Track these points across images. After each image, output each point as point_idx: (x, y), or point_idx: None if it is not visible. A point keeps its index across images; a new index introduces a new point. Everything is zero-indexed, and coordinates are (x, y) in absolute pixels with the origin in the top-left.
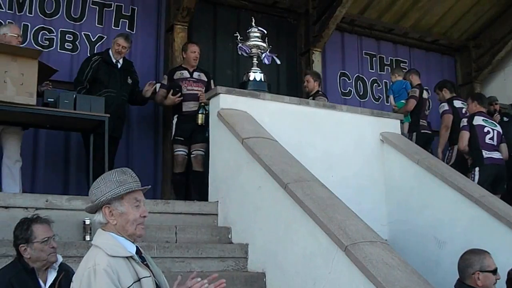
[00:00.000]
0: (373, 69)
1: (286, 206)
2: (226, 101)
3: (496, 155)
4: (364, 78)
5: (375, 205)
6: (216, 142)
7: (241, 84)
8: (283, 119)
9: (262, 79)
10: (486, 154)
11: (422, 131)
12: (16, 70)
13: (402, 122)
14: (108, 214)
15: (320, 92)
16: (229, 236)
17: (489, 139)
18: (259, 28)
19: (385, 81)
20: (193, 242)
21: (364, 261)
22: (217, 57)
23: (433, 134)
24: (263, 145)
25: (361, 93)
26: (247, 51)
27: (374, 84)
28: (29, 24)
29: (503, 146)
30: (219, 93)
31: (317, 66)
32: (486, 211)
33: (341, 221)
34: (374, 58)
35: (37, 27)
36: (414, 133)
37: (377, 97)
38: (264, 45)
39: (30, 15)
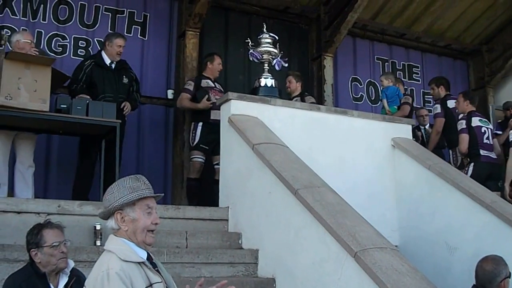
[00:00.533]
0: None
1: (296, 212)
2: (237, 107)
3: (493, 155)
4: (376, 83)
5: (386, 210)
6: (227, 147)
7: (252, 90)
8: (294, 125)
9: (273, 85)
10: (483, 153)
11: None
12: (29, 77)
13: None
14: (120, 220)
15: (306, 93)
16: (240, 242)
17: (486, 139)
18: (271, 34)
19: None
20: (203, 248)
21: (374, 268)
22: (229, 63)
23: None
24: (274, 151)
25: (372, 98)
26: (258, 57)
27: None
28: (42, 31)
29: (495, 142)
30: (230, 99)
31: (328, 71)
32: (497, 217)
33: (351, 227)
34: (386, 63)
35: (50, 33)
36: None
37: None
38: (276, 51)
39: (44, 22)
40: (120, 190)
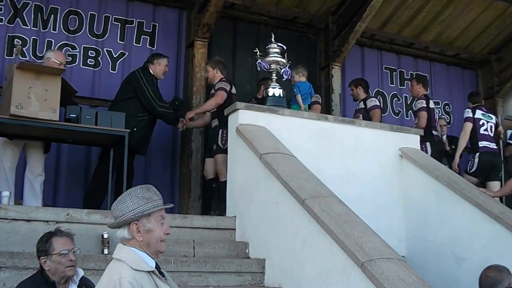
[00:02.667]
0: (393, 84)
1: (303, 222)
2: (245, 116)
3: (493, 145)
4: (384, 92)
5: (393, 221)
6: (234, 157)
7: (260, 100)
8: (301, 135)
9: (281, 95)
10: (482, 143)
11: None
12: (40, 86)
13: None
14: (135, 230)
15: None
16: (247, 251)
17: (484, 130)
18: (279, 44)
19: (405, 96)
20: (210, 257)
21: (381, 278)
22: (237, 73)
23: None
24: (281, 160)
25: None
26: (266, 67)
27: (394, 99)
28: (53, 41)
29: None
30: (238, 109)
31: (336, 81)
32: (506, 228)
33: (358, 237)
34: (394, 73)
35: (60, 43)
36: (428, 143)
37: (397, 112)
38: (284, 60)
39: (54, 32)
40: (133, 200)
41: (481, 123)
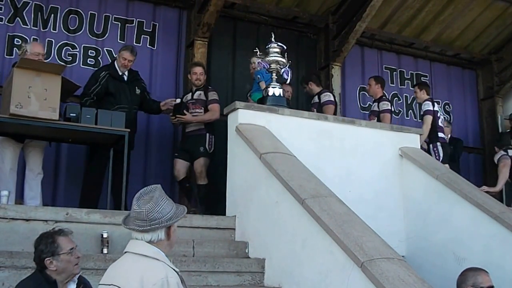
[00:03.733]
0: (393, 84)
1: (303, 222)
2: (245, 116)
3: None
4: (384, 92)
5: (393, 221)
6: (234, 156)
7: (260, 99)
8: (301, 134)
9: (281, 94)
10: (441, 135)
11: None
12: (39, 85)
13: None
14: (171, 231)
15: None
16: (246, 251)
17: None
18: (279, 43)
19: (405, 95)
20: (210, 256)
21: (380, 278)
22: (236, 72)
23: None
24: (281, 160)
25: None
26: (266, 67)
27: (395, 99)
28: (53, 40)
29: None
30: (238, 108)
31: (336, 81)
32: (506, 227)
33: (358, 237)
34: (394, 72)
35: (60, 43)
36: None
37: (397, 111)
38: (284, 60)
39: (54, 32)
40: (165, 202)
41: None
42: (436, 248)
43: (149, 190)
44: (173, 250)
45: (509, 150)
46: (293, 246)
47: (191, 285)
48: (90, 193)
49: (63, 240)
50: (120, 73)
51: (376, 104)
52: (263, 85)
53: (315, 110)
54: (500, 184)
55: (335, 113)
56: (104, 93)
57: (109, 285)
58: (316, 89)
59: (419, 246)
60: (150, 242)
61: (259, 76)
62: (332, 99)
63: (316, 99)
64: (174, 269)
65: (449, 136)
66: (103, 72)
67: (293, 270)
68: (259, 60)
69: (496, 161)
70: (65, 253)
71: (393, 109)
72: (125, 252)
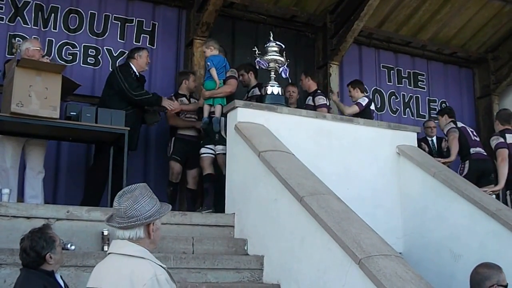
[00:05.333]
0: (391, 82)
1: (302, 219)
2: (244, 114)
3: (482, 151)
4: (382, 91)
5: (391, 218)
6: (233, 154)
7: (259, 98)
8: (300, 133)
9: (280, 93)
10: (473, 150)
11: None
12: (40, 84)
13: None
14: (152, 229)
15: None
16: (245, 248)
17: (474, 136)
18: (277, 42)
19: (402, 94)
20: (209, 253)
21: (378, 275)
22: None
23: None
24: (280, 158)
25: (378, 106)
26: (265, 65)
27: (392, 97)
28: (53, 40)
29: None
30: (237, 107)
31: (334, 79)
32: (502, 225)
33: (356, 234)
34: (392, 71)
35: (61, 42)
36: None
37: (394, 110)
38: (282, 59)
39: (55, 31)
40: (146, 200)
41: (469, 130)
42: (433, 245)
43: (131, 189)
44: (172, 247)
45: (458, 122)
46: (292, 243)
47: (191, 281)
48: (94, 192)
49: (54, 233)
50: (137, 74)
51: (310, 98)
52: (214, 72)
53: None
54: (454, 155)
55: None
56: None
57: None
58: (254, 81)
59: (416, 243)
60: (129, 239)
61: (208, 63)
62: (326, 102)
63: (310, 101)
64: (161, 266)
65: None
66: (131, 70)
67: (291, 267)
68: (258, 59)
69: (445, 132)
70: (58, 245)
71: (329, 104)
72: (109, 253)
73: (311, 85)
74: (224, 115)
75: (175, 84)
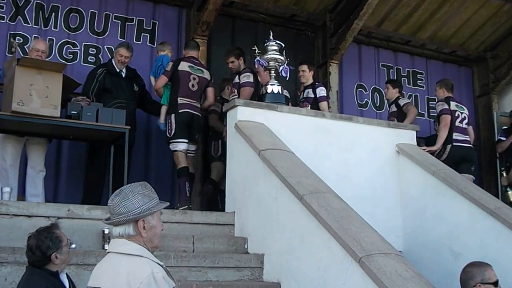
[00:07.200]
0: None
1: (302, 218)
2: (244, 113)
3: (467, 138)
4: (381, 89)
5: (390, 216)
6: (233, 153)
7: (258, 97)
8: (300, 131)
9: (280, 92)
10: (456, 136)
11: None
12: (41, 83)
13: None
14: (142, 227)
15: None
16: (246, 246)
17: (459, 122)
18: (277, 41)
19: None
20: (210, 252)
21: (378, 273)
22: None
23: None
24: (280, 157)
25: (377, 105)
26: (265, 64)
27: None
28: (54, 39)
29: (470, 129)
30: (237, 106)
31: (334, 78)
32: (501, 223)
33: (356, 233)
34: (391, 70)
35: (61, 41)
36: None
37: None
38: (282, 58)
39: (55, 30)
40: (137, 197)
41: (456, 114)
42: (433, 243)
43: (126, 187)
44: (173, 245)
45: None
46: (292, 242)
47: (192, 280)
48: (93, 191)
49: (61, 233)
50: (118, 70)
51: (309, 90)
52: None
53: (308, 105)
54: (439, 144)
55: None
56: (102, 89)
57: (96, 287)
58: (309, 76)
59: (416, 242)
60: (119, 236)
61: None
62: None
63: (311, 93)
64: (158, 263)
65: None
66: (100, 69)
67: (291, 266)
68: (258, 58)
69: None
70: (65, 245)
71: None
72: (108, 252)
73: (310, 78)
74: (224, 113)
75: None
